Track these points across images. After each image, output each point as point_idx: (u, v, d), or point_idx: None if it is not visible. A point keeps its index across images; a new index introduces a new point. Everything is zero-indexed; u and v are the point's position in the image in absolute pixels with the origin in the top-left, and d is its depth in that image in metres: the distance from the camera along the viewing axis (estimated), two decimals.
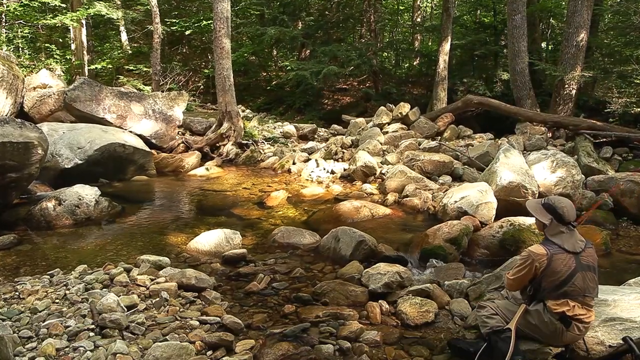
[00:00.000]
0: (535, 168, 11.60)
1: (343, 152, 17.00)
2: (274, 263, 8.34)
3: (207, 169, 16.18)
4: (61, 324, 5.53)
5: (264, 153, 18.34)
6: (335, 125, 22.36)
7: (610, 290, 5.78)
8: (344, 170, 15.10)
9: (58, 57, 31.42)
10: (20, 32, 30.64)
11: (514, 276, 5.11)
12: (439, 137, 18.61)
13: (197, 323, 5.91)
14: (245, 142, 18.73)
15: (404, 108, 19.29)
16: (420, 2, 33.84)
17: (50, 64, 29.86)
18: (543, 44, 27.35)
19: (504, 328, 5.10)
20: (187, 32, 30.54)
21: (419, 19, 34.67)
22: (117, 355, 4.94)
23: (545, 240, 5.08)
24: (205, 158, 17.55)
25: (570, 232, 5.04)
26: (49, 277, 7.09)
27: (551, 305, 4.92)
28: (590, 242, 5.19)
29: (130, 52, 33.37)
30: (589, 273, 4.95)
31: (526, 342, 5.15)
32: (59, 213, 10.12)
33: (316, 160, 16.02)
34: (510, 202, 10.56)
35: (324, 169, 15.42)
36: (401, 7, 35.27)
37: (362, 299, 6.88)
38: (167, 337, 5.52)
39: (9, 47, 29.77)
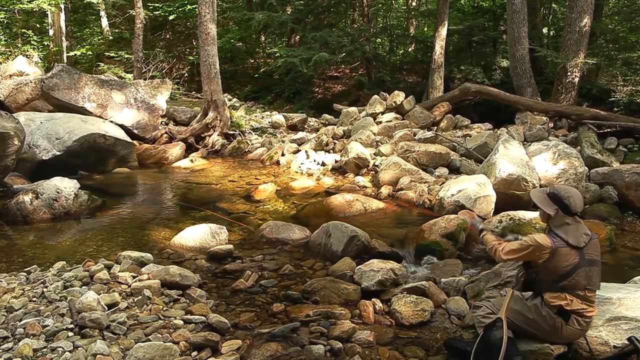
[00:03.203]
0: (536, 160, 11.65)
1: (334, 143, 16.99)
2: (262, 259, 8.34)
3: (191, 160, 16.16)
4: (39, 323, 5.51)
5: (252, 144, 18.30)
6: (326, 115, 22.33)
7: (615, 288, 5.78)
8: (336, 162, 15.10)
9: (35, 43, 31.29)
10: None
11: (508, 256, 5.16)
12: (435, 127, 18.62)
13: (182, 322, 5.90)
14: (231, 132, 18.71)
15: (399, 97, 19.28)
16: None
17: (27, 51, 29.74)
18: (544, 30, 27.37)
19: (495, 318, 5.09)
20: (171, 17, 30.45)
21: (414, 3, 34.67)
22: (98, 356, 4.93)
23: (549, 231, 5.04)
24: (189, 149, 17.54)
25: (576, 224, 4.98)
26: (25, 274, 7.05)
27: (548, 298, 4.92)
28: (595, 234, 5.13)
29: (111, 38, 33.34)
30: (593, 268, 4.92)
31: (527, 343, 5.16)
32: (36, 207, 10.07)
33: (306, 151, 16.02)
34: (510, 195, 10.59)
35: (315, 161, 15.43)
36: None
37: (354, 297, 6.88)
38: (149, 337, 5.51)
39: None
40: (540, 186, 10.88)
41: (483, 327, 5.22)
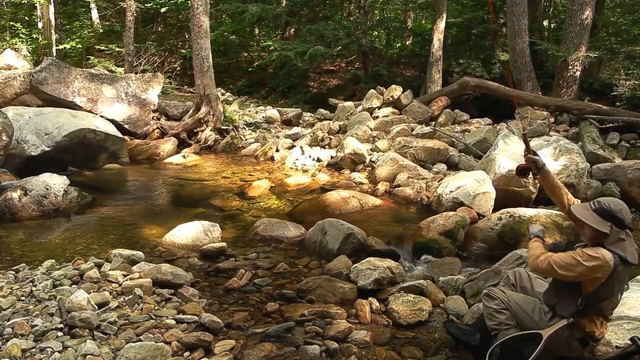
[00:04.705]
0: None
1: (330, 139, 16.99)
2: (256, 258, 8.34)
3: (184, 156, 16.15)
4: (27, 323, 5.50)
5: (245, 139, 18.32)
6: (322, 110, 22.40)
7: None
8: (331, 157, 15.12)
9: (24, 36, 31.28)
10: None
11: (564, 271, 4.61)
12: (433, 123, 18.65)
13: (174, 322, 5.90)
14: (225, 127, 18.69)
15: (396, 91, 19.30)
16: None
17: (16, 44, 29.73)
18: (545, 22, 27.36)
19: (535, 333, 4.85)
20: (163, 10, 30.40)
21: None
22: (88, 356, 4.93)
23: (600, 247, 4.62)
24: (182, 145, 17.50)
25: (629, 238, 4.67)
26: (14, 272, 7.03)
27: (585, 324, 4.74)
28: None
29: (101, 30, 33.23)
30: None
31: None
32: (24, 204, 10.04)
33: (301, 147, 16.03)
34: (510, 192, 10.58)
35: (310, 157, 15.43)
36: None
37: (350, 296, 6.89)
38: (141, 337, 5.51)
39: None
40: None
41: (496, 328, 5.17)
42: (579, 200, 5.25)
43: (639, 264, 4.72)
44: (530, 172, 5.48)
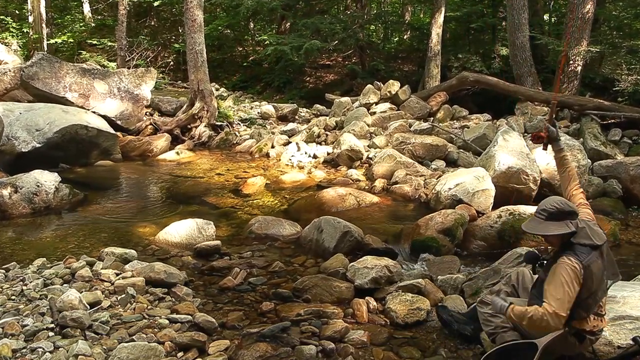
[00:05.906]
0: (537, 152, 11.62)
1: (326, 135, 16.97)
2: (251, 256, 8.34)
3: (177, 153, 16.14)
4: (18, 322, 5.49)
5: (240, 136, 18.31)
6: (318, 105, 22.33)
7: (619, 286, 5.74)
8: (328, 154, 15.12)
9: (14, 30, 31.19)
10: None
11: (563, 311, 4.46)
12: (432, 118, 18.59)
13: (167, 322, 5.89)
14: (219, 123, 18.65)
15: (393, 86, 19.26)
16: None
17: (6, 38, 29.64)
18: (545, 16, 27.38)
19: (530, 342, 4.82)
20: (156, 3, 30.36)
21: None
22: (79, 357, 4.91)
23: (569, 250, 4.62)
24: (175, 141, 17.48)
25: (584, 222, 4.76)
26: (4, 271, 7.01)
27: (576, 325, 4.72)
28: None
29: (93, 25, 33.21)
30: (609, 268, 4.75)
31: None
32: (15, 201, 10.01)
33: (297, 143, 16.01)
34: (510, 189, 10.57)
35: (306, 153, 15.42)
36: None
37: (347, 295, 6.89)
38: (133, 337, 5.50)
39: None
40: (542, 180, 10.88)
41: (493, 331, 5.17)
42: (584, 193, 5.33)
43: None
44: (543, 142, 5.52)
